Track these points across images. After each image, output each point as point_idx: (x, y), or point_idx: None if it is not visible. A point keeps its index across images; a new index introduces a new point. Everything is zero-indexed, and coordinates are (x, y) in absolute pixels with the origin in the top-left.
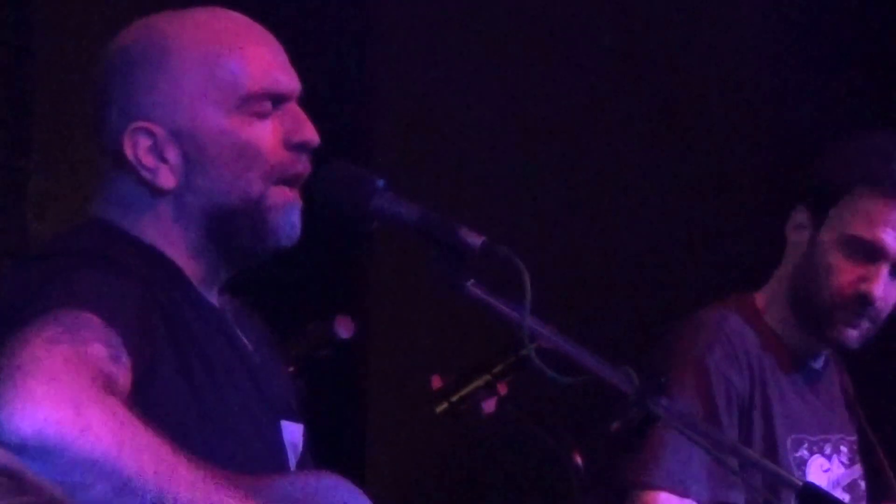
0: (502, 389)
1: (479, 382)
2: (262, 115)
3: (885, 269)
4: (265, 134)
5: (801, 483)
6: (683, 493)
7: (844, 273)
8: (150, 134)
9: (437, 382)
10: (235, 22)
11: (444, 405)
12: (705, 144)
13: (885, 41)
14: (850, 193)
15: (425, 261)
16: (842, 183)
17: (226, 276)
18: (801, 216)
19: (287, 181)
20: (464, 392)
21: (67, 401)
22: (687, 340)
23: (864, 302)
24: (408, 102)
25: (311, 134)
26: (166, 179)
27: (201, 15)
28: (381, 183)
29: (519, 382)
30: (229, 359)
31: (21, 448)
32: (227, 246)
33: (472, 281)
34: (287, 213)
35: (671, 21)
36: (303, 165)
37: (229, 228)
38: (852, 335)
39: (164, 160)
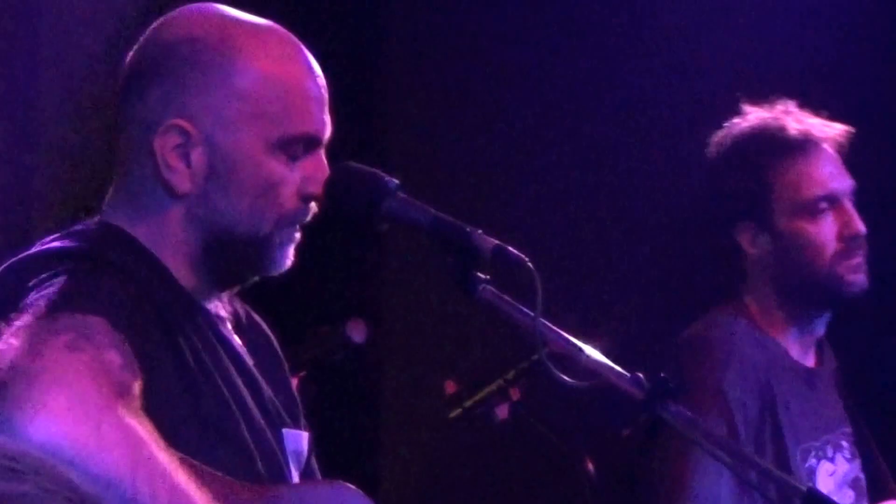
0: (515, 395)
1: (492, 388)
2: (293, 158)
3: (850, 204)
4: (291, 180)
5: (805, 488)
6: None
7: (824, 233)
8: (184, 133)
9: (450, 387)
10: (297, 51)
11: (458, 410)
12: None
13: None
14: (778, 171)
15: (438, 264)
16: (763, 172)
17: (216, 293)
18: (745, 231)
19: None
20: (477, 397)
21: (90, 415)
22: (701, 363)
23: (857, 243)
24: (422, 105)
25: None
26: (182, 183)
27: (269, 32)
28: (393, 184)
29: (532, 387)
30: (225, 365)
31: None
32: (220, 265)
33: (485, 285)
34: (287, 249)
35: (678, 19)
36: (309, 214)
37: (227, 251)
38: (861, 279)
39: (187, 163)
